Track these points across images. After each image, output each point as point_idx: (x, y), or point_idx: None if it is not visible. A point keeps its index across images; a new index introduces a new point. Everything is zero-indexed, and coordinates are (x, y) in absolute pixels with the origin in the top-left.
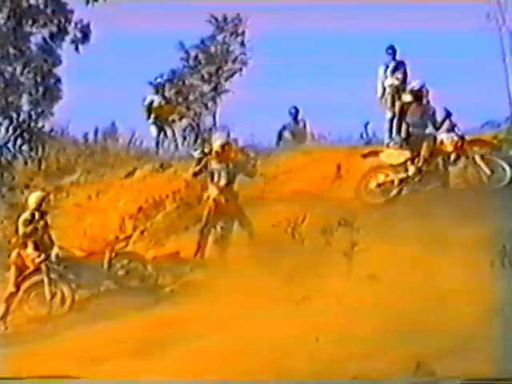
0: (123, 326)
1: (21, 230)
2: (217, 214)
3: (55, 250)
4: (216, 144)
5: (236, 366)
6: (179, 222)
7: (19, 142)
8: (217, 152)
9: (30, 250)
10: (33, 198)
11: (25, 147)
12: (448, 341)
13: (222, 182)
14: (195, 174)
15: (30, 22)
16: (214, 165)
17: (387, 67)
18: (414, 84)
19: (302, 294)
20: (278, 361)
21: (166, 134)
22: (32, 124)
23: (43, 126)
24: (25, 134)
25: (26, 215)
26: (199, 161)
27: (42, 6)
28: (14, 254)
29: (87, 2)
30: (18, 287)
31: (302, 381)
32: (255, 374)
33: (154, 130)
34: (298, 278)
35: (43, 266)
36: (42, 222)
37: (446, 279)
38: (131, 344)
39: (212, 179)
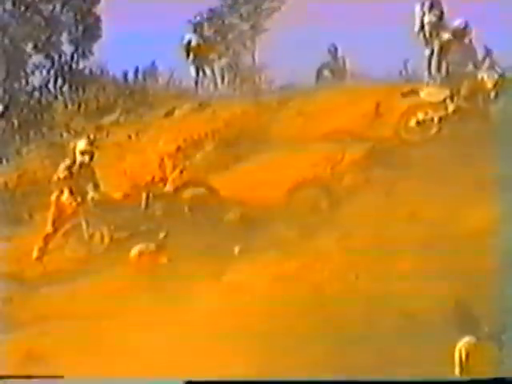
0: None
1: (59, 174)
2: None
3: (91, 194)
4: None
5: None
6: (218, 162)
7: (60, 82)
8: None
9: (65, 194)
10: (78, 145)
11: (65, 88)
12: (487, 279)
13: None
14: None
15: None
16: None
17: (423, 4)
18: (457, 22)
19: (341, 232)
20: (312, 297)
21: (204, 73)
22: (73, 65)
23: (84, 68)
24: (66, 75)
25: (67, 161)
26: None
27: None
28: (53, 196)
29: None
30: (55, 229)
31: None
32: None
33: (192, 70)
34: (337, 217)
35: (80, 210)
36: (77, 167)
37: (486, 218)
38: None
39: None
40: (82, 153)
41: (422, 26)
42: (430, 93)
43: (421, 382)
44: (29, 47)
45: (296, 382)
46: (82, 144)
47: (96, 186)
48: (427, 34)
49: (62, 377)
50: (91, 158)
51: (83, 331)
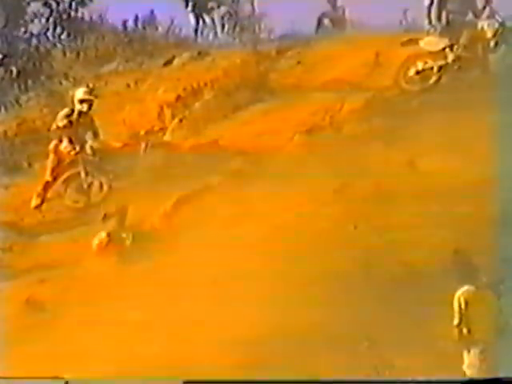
0: None
1: (58, 123)
2: None
3: (90, 142)
4: None
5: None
6: (217, 111)
7: (58, 30)
8: None
9: (64, 143)
10: (77, 94)
11: (64, 36)
12: (486, 229)
13: None
14: None
15: None
16: None
17: None
18: None
19: (340, 181)
20: (312, 244)
21: (204, 21)
22: (72, 13)
23: (83, 16)
24: (64, 23)
25: (65, 110)
26: None
27: None
28: (52, 144)
29: None
30: (54, 177)
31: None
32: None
33: (192, 18)
34: (336, 165)
35: (79, 158)
36: (75, 116)
37: (488, 164)
38: None
39: None
40: (81, 101)
41: None
42: (430, 42)
43: (421, 382)
44: None
45: (296, 381)
46: (80, 93)
47: (95, 135)
48: None
49: (62, 378)
50: (90, 107)
51: (82, 279)
